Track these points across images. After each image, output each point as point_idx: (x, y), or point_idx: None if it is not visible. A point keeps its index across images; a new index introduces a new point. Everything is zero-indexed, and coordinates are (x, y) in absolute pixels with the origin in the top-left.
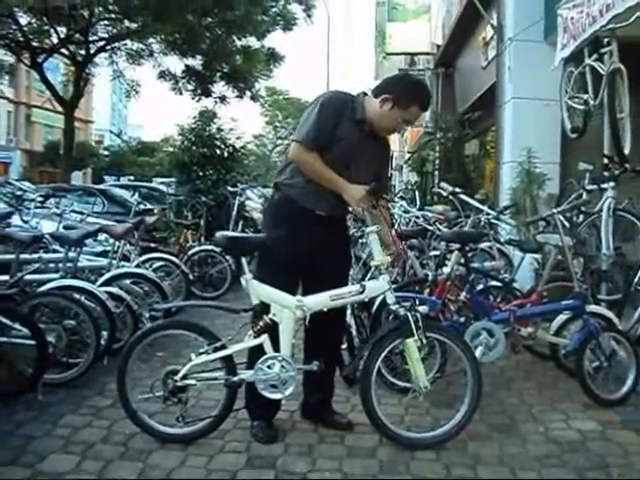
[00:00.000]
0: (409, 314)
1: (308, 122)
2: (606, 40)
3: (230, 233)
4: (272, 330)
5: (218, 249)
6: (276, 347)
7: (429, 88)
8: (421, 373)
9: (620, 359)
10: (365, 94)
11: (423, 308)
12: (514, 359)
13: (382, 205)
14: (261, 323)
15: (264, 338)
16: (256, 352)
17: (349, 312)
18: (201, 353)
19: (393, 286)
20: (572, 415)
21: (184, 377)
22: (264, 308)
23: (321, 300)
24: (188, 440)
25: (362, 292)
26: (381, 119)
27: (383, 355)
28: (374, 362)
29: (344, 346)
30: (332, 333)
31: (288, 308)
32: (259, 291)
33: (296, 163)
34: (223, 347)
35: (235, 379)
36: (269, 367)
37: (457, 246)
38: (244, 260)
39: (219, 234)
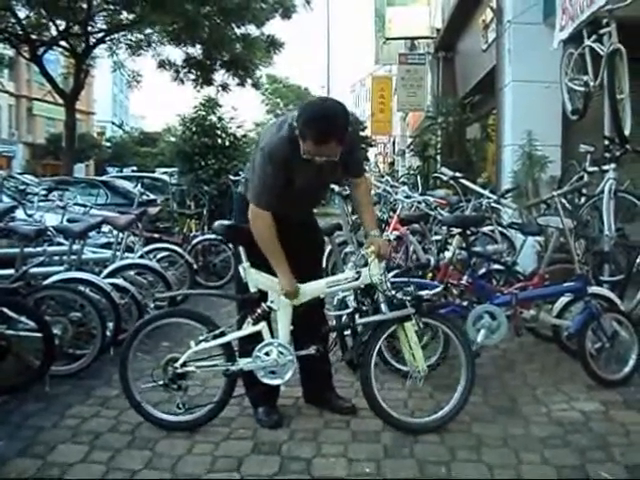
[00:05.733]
0: (406, 298)
1: (260, 181)
2: (605, 21)
3: (227, 222)
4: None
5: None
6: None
7: (331, 117)
8: (419, 356)
9: (622, 340)
10: None
11: (426, 293)
12: (517, 341)
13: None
14: (259, 310)
15: (262, 325)
16: (248, 339)
17: (352, 298)
18: (200, 341)
19: (395, 271)
20: (575, 396)
21: (184, 364)
22: (262, 296)
23: (318, 287)
24: (191, 427)
25: (357, 279)
26: (305, 153)
27: (382, 340)
28: (373, 348)
29: (347, 332)
30: (315, 316)
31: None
32: (257, 279)
33: (251, 224)
34: (222, 334)
35: (233, 368)
36: (267, 354)
37: (458, 230)
38: (242, 249)
39: (217, 223)
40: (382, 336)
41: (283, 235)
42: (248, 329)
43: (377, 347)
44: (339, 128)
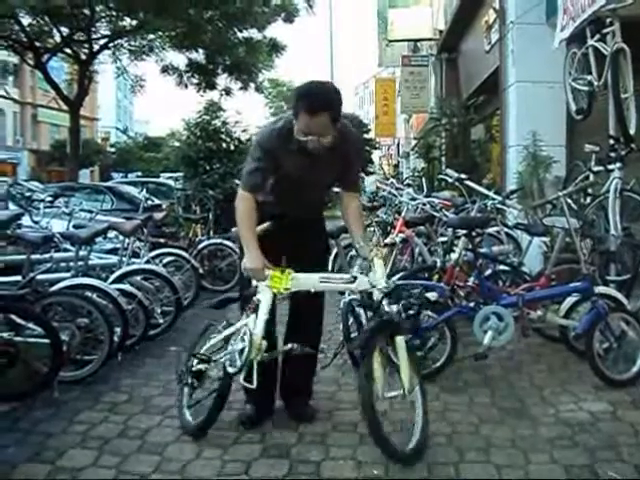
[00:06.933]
0: (397, 312)
1: (247, 166)
2: (608, 20)
3: None
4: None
5: (227, 242)
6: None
7: (323, 90)
8: (405, 373)
9: (630, 339)
10: None
11: (432, 294)
12: (524, 342)
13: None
14: (251, 305)
15: (252, 317)
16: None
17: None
18: (210, 338)
19: (402, 274)
20: (582, 396)
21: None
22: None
23: (309, 279)
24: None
25: (353, 282)
26: (298, 132)
27: (376, 353)
28: (370, 362)
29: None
30: (310, 315)
31: (266, 284)
32: None
33: (236, 204)
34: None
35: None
36: (234, 341)
37: (464, 232)
38: None
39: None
40: (374, 351)
41: (288, 234)
42: (242, 322)
43: (373, 361)
44: (331, 101)
